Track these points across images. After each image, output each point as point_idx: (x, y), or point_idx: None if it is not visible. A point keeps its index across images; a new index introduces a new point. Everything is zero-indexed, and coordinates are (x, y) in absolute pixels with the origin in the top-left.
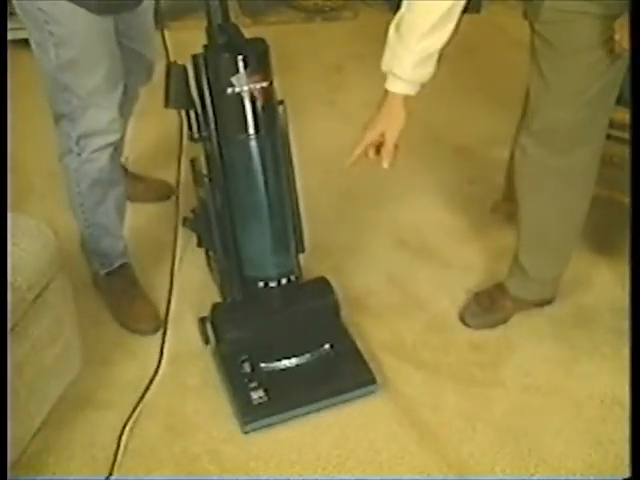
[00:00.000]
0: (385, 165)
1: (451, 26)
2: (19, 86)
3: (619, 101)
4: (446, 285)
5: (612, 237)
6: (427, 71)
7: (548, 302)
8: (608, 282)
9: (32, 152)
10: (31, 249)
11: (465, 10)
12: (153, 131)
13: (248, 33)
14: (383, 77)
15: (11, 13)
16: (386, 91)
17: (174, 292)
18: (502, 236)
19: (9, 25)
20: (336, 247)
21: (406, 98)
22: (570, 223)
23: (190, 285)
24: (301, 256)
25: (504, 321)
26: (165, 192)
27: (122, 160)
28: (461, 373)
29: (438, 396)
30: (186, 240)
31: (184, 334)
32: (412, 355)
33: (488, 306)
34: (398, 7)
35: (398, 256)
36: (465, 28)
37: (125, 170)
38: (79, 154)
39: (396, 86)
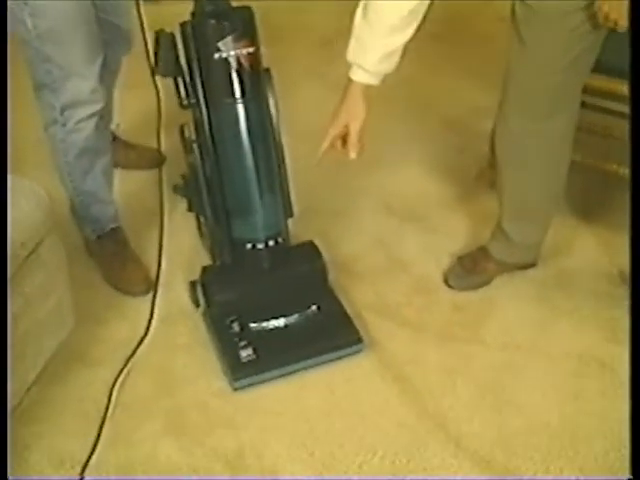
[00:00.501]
0: (352, 156)
1: (418, 21)
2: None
3: (596, 68)
4: (431, 249)
5: (594, 203)
6: (393, 63)
7: (531, 265)
8: (590, 247)
9: (20, 121)
10: (25, 208)
11: None
12: (146, 100)
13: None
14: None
15: None
16: (349, 79)
17: (165, 256)
18: (486, 203)
19: None
20: (324, 212)
21: (368, 87)
22: (550, 189)
23: (181, 249)
24: (290, 221)
25: (487, 283)
26: (157, 159)
27: (113, 127)
28: (443, 332)
29: (420, 353)
30: (176, 205)
31: (174, 296)
32: (396, 315)
33: (471, 268)
34: None
35: (385, 221)
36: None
37: (116, 138)
38: (64, 124)
39: (360, 76)
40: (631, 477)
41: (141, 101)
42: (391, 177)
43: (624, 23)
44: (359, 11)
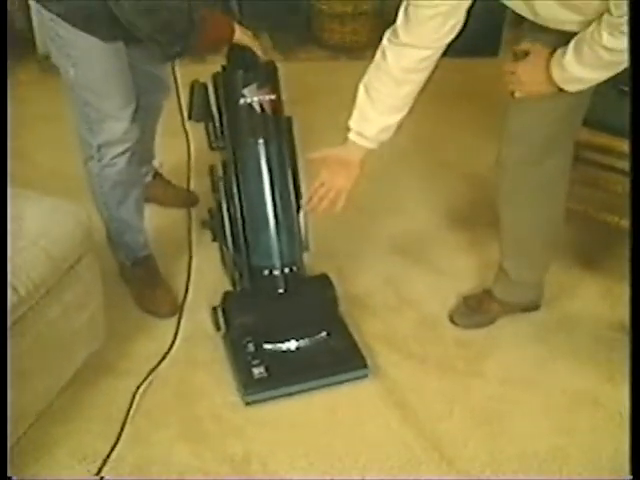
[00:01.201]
0: (337, 210)
1: (413, 101)
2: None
3: (599, 127)
4: (439, 289)
5: (598, 253)
6: (390, 134)
7: (533, 308)
8: (592, 294)
9: (64, 157)
10: (67, 226)
11: (482, 53)
12: (182, 145)
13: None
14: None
15: None
16: (349, 143)
17: (191, 282)
18: (495, 249)
19: None
20: (339, 252)
21: (366, 151)
22: (545, 230)
23: (205, 277)
24: (307, 259)
25: (490, 323)
26: (191, 200)
27: (157, 165)
28: (446, 364)
29: (422, 382)
30: (203, 239)
31: (198, 319)
32: (402, 347)
33: (475, 308)
34: None
35: (396, 262)
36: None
37: (158, 175)
38: (100, 160)
39: (360, 141)
40: (631, 477)
41: (181, 146)
42: (405, 223)
43: (517, 95)
44: (362, 87)
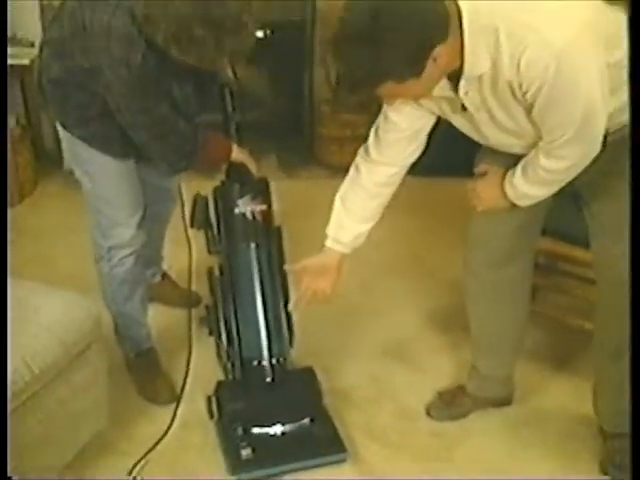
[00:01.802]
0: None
1: (382, 209)
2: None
3: (561, 237)
4: (417, 385)
5: (566, 354)
6: (362, 240)
7: (505, 404)
8: (561, 392)
9: (82, 262)
10: (79, 317)
11: (466, 172)
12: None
13: (282, 186)
14: (389, 225)
15: None
16: (327, 248)
17: (189, 373)
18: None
19: None
20: (326, 350)
21: (342, 255)
22: (510, 329)
23: (202, 368)
24: (295, 355)
25: (463, 416)
26: (195, 301)
27: (165, 268)
28: (420, 452)
29: (397, 468)
30: (202, 334)
31: (194, 406)
32: (381, 436)
33: (449, 402)
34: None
35: (379, 361)
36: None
37: (167, 277)
38: (109, 260)
39: (337, 247)
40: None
41: (183, 251)
42: (390, 325)
43: (479, 209)
44: (338, 198)
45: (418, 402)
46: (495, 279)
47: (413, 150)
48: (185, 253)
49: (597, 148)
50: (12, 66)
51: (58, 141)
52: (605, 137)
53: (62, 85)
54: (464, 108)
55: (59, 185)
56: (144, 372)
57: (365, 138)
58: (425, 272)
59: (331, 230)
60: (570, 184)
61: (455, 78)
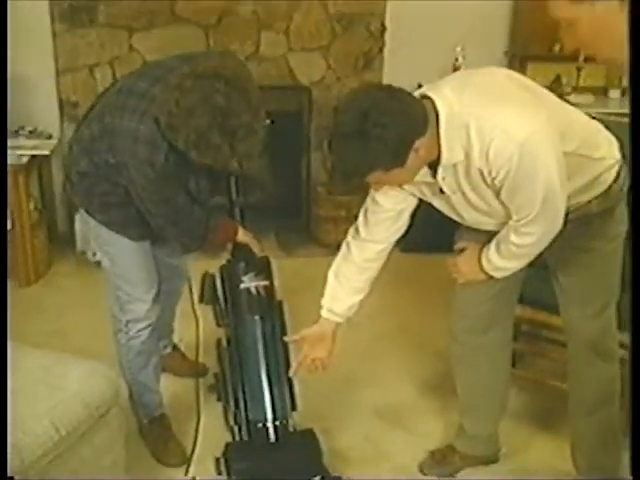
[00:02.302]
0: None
1: (371, 282)
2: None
3: (536, 305)
4: (411, 446)
5: (549, 414)
6: (354, 310)
7: (492, 461)
8: (545, 450)
9: (96, 336)
10: (100, 382)
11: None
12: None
13: (282, 264)
14: (382, 298)
15: None
16: (323, 319)
17: (198, 437)
18: None
19: None
20: (326, 415)
21: (337, 325)
22: (493, 390)
23: (211, 433)
24: (298, 420)
25: (453, 473)
26: (202, 371)
27: (176, 341)
28: (359, 466)
29: None
30: (210, 401)
31: (203, 467)
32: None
33: (440, 460)
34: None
35: (375, 424)
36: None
37: (177, 349)
38: (127, 333)
39: (332, 317)
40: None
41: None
42: (385, 392)
43: (460, 281)
44: (331, 274)
45: (412, 461)
46: (477, 344)
47: (398, 228)
48: (192, 328)
49: (559, 225)
50: (34, 156)
51: (70, 225)
52: (566, 215)
53: (88, 177)
54: (442, 191)
55: (71, 265)
56: (157, 437)
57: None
58: (415, 342)
59: (326, 302)
60: (539, 257)
61: (434, 166)
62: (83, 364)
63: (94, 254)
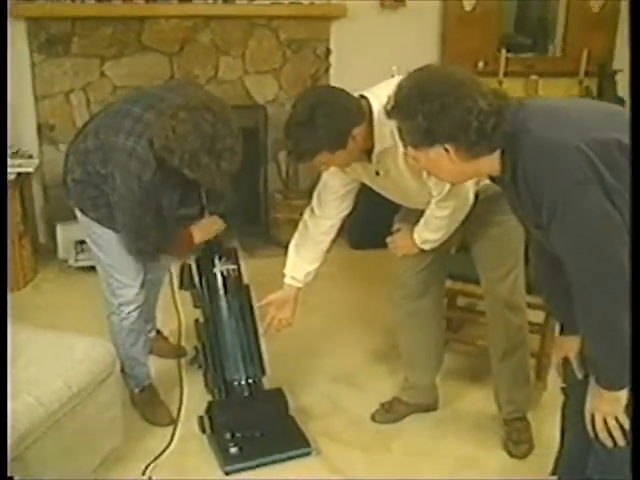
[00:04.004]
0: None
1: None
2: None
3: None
4: (363, 401)
5: (480, 371)
6: (312, 277)
7: (432, 409)
8: (476, 399)
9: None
10: (101, 352)
11: None
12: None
13: (245, 264)
14: (339, 287)
15: None
16: (286, 285)
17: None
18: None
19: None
20: (290, 379)
21: (297, 290)
22: (430, 346)
23: (190, 398)
24: (268, 384)
25: (400, 419)
26: (183, 353)
27: (159, 326)
28: (367, 447)
29: (349, 457)
30: (190, 375)
31: (188, 425)
32: (336, 437)
33: (388, 409)
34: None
35: (333, 385)
36: None
37: (160, 333)
38: (119, 315)
39: (294, 283)
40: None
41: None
42: (340, 358)
43: (399, 255)
44: (292, 247)
45: (364, 413)
46: (414, 309)
47: (345, 206)
48: (173, 317)
49: (469, 200)
50: (19, 174)
51: (50, 237)
52: (477, 196)
53: (82, 183)
54: (377, 174)
55: (55, 272)
56: (147, 402)
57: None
58: (364, 320)
59: (288, 271)
60: (461, 238)
61: (369, 153)
62: (85, 338)
63: (76, 260)
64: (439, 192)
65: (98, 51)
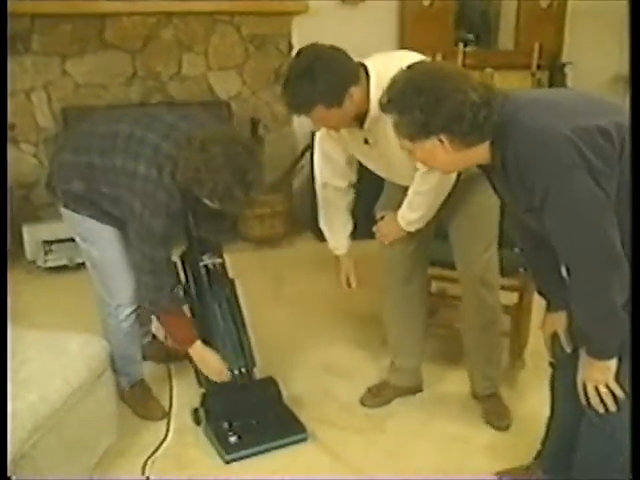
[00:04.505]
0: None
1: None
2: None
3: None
4: (352, 388)
5: (458, 355)
6: (350, 241)
7: (417, 391)
8: (457, 380)
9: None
10: (97, 348)
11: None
12: None
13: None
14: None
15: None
16: (336, 257)
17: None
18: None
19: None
20: (281, 369)
21: (346, 255)
22: (415, 330)
23: (182, 393)
24: (258, 374)
25: (387, 402)
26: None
27: (153, 330)
28: (360, 429)
29: (344, 441)
30: (180, 371)
31: (181, 418)
32: (329, 422)
33: (376, 393)
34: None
35: (322, 374)
36: None
37: (156, 338)
38: (116, 317)
39: (342, 252)
40: (631, 477)
41: None
42: (327, 351)
43: (385, 242)
44: (323, 227)
45: (354, 398)
46: (401, 294)
47: (351, 171)
48: None
49: (449, 178)
50: None
51: (14, 239)
52: (458, 176)
53: (80, 197)
54: (366, 142)
55: (23, 274)
56: (139, 397)
57: (280, 213)
58: (341, 308)
59: (332, 246)
60: (440, 225)
61: (362, 120)
62: (78, 335)
63: (45, 261)
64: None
65: (59, 49)
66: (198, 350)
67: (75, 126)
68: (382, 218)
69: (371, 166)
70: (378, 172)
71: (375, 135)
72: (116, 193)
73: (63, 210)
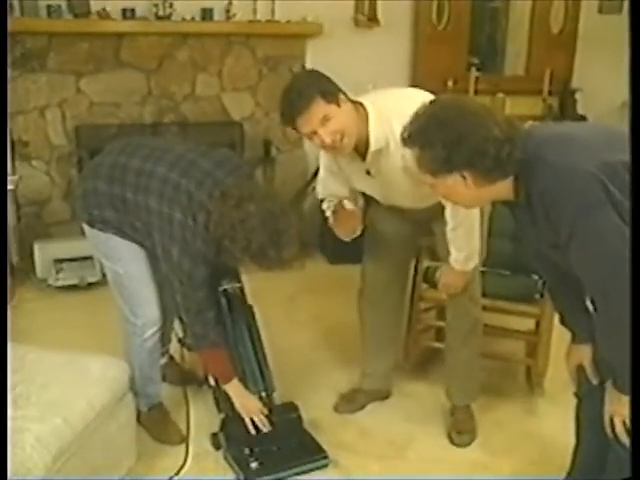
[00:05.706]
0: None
1: None
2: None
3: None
4: (369, 412)
5: (430, 367)
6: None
7: (386, 396)
8: (425, 386)
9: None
10: (117, 370)
11: None
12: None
13: None
14: (322, 296)
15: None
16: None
17: (192, 421)
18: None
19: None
20: (295, 394)
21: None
22: (391, 335)
23: (199, 418)
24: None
25: (361, 408)
26: (190, 378)
27: (172, 352)
28: (377, 451)
29: (364, 465)
30: (196, 396)
31: (199, 443)
32: (348, 444)
33: (350, 399)
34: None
35: (336, 398)
36: None
37: (173, 359)
38: (141, 335)
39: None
40: (631, 477)
41: None
42: (336, 369)
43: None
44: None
45: (373, 422)
46: (379, 300)
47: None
48: None
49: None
50: None
51: (23, 256)
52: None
53: (110, 223)
54: (368, 173)
55: (33, 292)
56: (157, 421)
57: None
58: (352, 331)
59: (320, 194)
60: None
61: (363, 153)
62: (98, 358)
63: (56, 279)
64: None
65: (75, 67)
66: (235, 387)
67: (109, 151)
68: (434, 270)
69: (371, 193)
70: (377, 197)
71: (377, 166)
72: (150, 231)
73: (87, 228)
